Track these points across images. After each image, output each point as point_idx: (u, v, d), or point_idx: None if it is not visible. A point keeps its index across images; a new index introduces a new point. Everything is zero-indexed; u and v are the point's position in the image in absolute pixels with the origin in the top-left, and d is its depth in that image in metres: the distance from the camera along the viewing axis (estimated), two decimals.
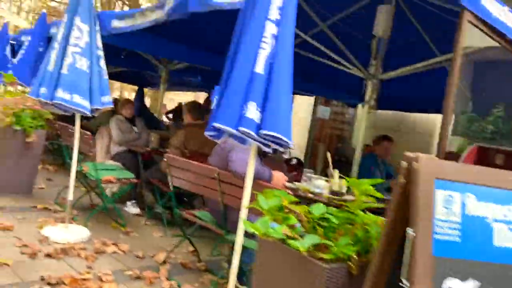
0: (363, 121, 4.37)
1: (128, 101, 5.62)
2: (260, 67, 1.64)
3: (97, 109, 3.33)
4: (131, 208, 4.46)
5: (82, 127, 5.00)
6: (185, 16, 3.39)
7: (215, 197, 2.61)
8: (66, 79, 3.11)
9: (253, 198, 2.24)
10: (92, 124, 6.59)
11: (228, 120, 1.65)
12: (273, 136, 1.65)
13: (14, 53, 7.33)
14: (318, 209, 1.54)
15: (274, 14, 1.69)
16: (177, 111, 11.80)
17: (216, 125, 1.67)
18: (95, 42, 3.27)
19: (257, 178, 2.35)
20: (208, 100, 9.89)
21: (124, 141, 4.96)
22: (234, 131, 1.65)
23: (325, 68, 4.96)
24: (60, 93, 3.08)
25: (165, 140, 5.05)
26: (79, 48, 3.16)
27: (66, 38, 3.14)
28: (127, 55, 7.57)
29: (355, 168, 4.39)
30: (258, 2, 1.69)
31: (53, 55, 3.13)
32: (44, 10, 6.24)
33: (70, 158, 4.70)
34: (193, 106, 4.37)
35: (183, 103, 12.64)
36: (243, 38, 1.70)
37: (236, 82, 1.66)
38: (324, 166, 7.17)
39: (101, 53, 3.33)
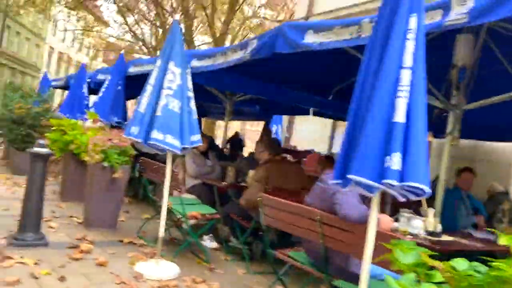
0: (446, 152, 4.19)
1: (202, 135, 5.79)
2: (400, 116, 1.63)
3: (185, 148, 3.44)
4: (209, 242, 4.50)
5: (156, 159, 5.23)
6: (269, 55, 3.48)
7: (314, 238, 2.57)
8: (160, 121, 3.26)
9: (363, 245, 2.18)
10: (164, 156, 6.84)
11: (368, 173, 1.63)
12: (414, 187, 1.61)
13: (89, 90, 7.87)
14: (461, 264, 1.46)
15: (408, 61, 1.68)
16: (235, 140, 12.04)
17: (356, 179, 1.65)
18: (186, 84, 3.42)
19: (365, 222, 2.30)
20: (266, 129, 9.93)
21: (198, 174, 5.09)
22: (376, 185, 1.63)
23: None
24: (155, 134, 3.23)
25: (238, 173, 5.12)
26: (171, 91, 3.32)
27: (160, 81, 3.31)
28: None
29: (438, 201, 4.18)
30: (390, 49, 1.69)
31: (146, 97, 3.30)
32: (123, 51, 6.64)
33: (152, 193, 4.88)
34: (271, 142, 4.43)
35: (238, 134, 12.86)
36: (377, 86, 1.69)
37: (374, 132, 1.64)
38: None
39: (191, 94, 3.46)
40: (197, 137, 3.47)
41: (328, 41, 2.90)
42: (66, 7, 23.16)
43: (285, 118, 10.47)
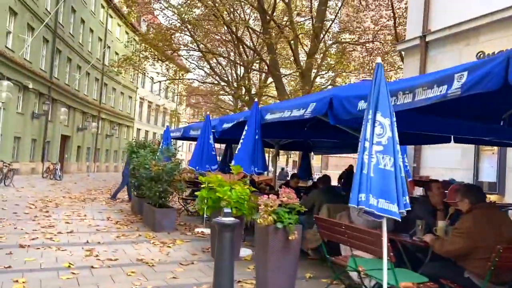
0: None
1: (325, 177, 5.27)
2: None
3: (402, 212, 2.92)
4: None
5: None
6: (492, 88, 2.90)
7: None
8: (373, 183, 2.81)
9: None
10: (306, 202, 6.44)
11: None
12: None
13: (214, 139, 7.85)
14: None
15: None
16: (351, 174, 11.44)
17: None
18: (395, 136, 2.95)
19: None
20: None
21: (370, 228, 4.53)
22: None
23: None
24: (371, 200, 2.77)
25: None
26: (381, 146, 2.87)
27: (371, 136, 2.88)
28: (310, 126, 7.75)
29: None
30: None
31: (365, 156, 2.86)
32: (256, 100, 6.47)
33: (328, 253, 4.41)
34: (469, 189, 3.78)
35: (352, 167, 12.20)
36: None
37: None
38: None
39: (399, 147, 2.97)
40: (407, 198, 2.93)
41: None
42: (155, 60, 24.84)
43: (409, 146, 9.62)
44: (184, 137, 9.74)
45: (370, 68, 24.17)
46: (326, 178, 7.18)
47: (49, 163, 22.33)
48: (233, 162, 5.97)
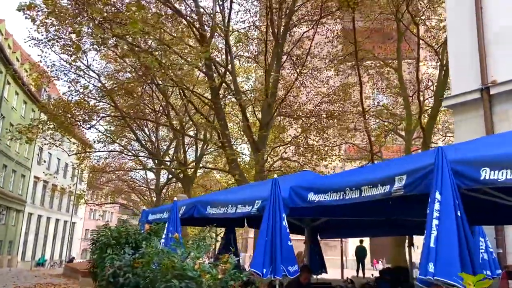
0: None
1: None
2: None
3: None
4: None
5: None
6: None
7: None
8: None
9: None
10: None
11: None
12: None
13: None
14: None
15: None
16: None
17: None
18: None
19: None
20: None
21: None
22: None
23: None
24: None
25: None
26: None
27: None
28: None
29: None
30: None
31: None
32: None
33: None
34: None
35: None
36: None
37: None
38: None
39: None
40: None
41: None
42: (55, 130, 20.33)
43: (487, 227, 7.47)
44: (191, 219, 6.19)
45: (304, 144, 22.64)
46: None
47: None
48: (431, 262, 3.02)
